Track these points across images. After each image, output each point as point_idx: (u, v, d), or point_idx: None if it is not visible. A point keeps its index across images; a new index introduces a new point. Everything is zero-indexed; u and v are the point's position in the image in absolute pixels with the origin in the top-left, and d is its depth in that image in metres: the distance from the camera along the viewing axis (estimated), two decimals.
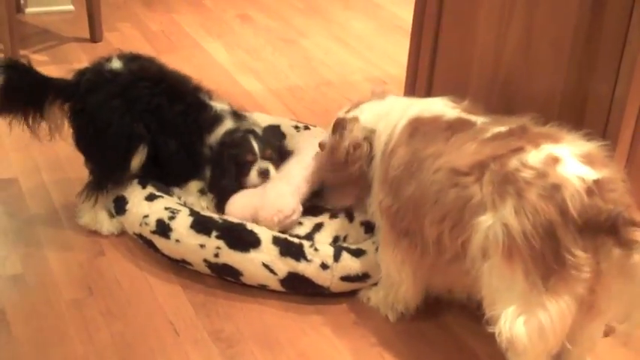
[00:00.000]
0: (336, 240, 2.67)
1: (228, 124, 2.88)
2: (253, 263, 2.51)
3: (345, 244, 2.61)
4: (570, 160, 1.99)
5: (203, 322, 2.43)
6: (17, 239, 2.75)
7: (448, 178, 2.13)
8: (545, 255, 1.92)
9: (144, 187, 2.79)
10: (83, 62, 4.04)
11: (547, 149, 2.02)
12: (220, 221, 2.58)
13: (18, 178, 3.09)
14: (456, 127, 2.26)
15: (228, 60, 4.24)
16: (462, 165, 2.11)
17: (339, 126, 2.60)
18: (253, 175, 2.79)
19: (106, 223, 2.79)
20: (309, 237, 2.67)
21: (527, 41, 2.42)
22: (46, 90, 2.74)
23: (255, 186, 2.79)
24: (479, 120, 2.26)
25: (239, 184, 2.80)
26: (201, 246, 2.53)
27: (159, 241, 2.62)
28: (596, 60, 2.20)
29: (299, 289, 2.53)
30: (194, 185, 2.88)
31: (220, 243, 2.52)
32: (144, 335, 2.36)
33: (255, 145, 2.80)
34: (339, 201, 2.77)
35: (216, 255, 2.52)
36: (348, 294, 2.55)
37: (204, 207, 2.80)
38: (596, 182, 1.93)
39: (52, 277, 2.58)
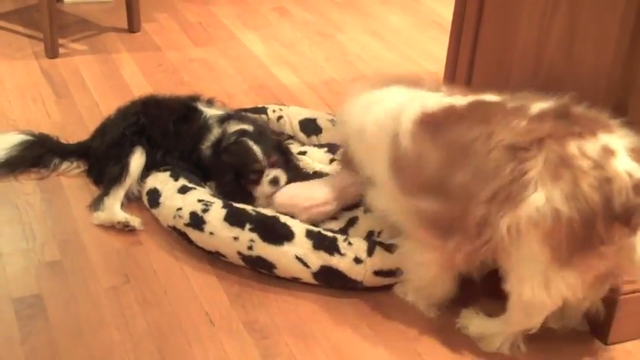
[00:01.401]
0: (370, 235, 2.67)
1: (215, 133, 2.93)
2: (287, 256, 2.51)
3: (379, 239, 2.60)
4: (623, 154, 2.08)
5: (238, 312, 2.44)
6: (55, 226, 2.77)
7: (506, 155, 2.15)
8: (578, 237, 2.06)
9: (176, 179, 2.81)
10: (121, 52, 4.10)
11: (603, 139, 2.10)
12: (254, 214, 2.58)
13: None
14: (483, 108, 2.28)
15: (264, 53, 4.24)
16: (520, 140, 2.14)
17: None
18: (265, 186, 2.81)
19: (119, 212, 2.81)
20: (344, 231, 2.68)
21: (571, 39, 2.38)
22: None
23: (268, 196, 2.80)
24: (498, 98, 2.30)
25: (246, 192, 2.82)
26: (235, 238, 2.54)
27: (193, 234, 2.63)
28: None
29: (332, 282, 2.53)
30: (209, 185, 2.91)
31: (254, 236, 2.52)
32: (179, 324, 2.37)
33: (258, 152, 2.81)
34: None
35: (250, 247, 2.53)
36: (383, 288, 2.55)
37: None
38: None
39: (90, 264, 2.60)
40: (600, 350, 2.38)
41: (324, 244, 2.51)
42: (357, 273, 2.50)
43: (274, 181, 2.79)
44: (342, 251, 2.49)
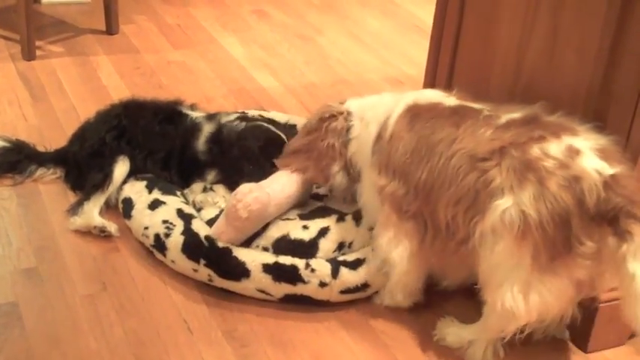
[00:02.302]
0: (341, 246, 2.59)
1: (207, 128, 2.93)
2: (247, 289, 2.48)
3: (342, 258, 2.52)
4: (589, 154, 2.08)
5: (217, 320, 2.42)
6: (31, 232, 2.74)
7: (466, 163, 2.18)
8: (555, 240, 2.04)
9: (150, 191, 2.78)
10: (99, 54, 4.07)
11: (567, 141, 2.10)
12: (207, 245, 2.50)
13: None
14: (462, 113, 2.31)
15: (243, 55, 4.22)
16: (481, 151, 2.16)
17: (323, 108, 2.71)
18: None
19: (97, 217, 2.78)
20: (313, 243, 2.57)
21: (551, 45, 2.38)
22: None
23: None
24: (483, 107, 2.32)
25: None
26: (195, 270, 2.52)
27: (159, 256, 2.61)
28: (622, 67, 2.17)
29: (298, 303, 2.49)
30: (197, 186, 2.89)
31: (210, 271, 2.49)
32: (157, 332, 2.35)
33: (282, 134, 2.85)
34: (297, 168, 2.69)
35: (210, 280, 2.50)
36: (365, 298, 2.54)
37: (215, 202, 2.79)
38: (612, 177, 2.04)
39: (66, 271, 2.57)
40: (580, 358, 2.38)
41: (284, 276, 2.45)
42: (324, 295, 2.47)
43: None
44: (306, 279, 2.45)
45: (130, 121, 2.96)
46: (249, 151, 2.82)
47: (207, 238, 2.52)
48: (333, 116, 2.63)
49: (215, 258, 2.48)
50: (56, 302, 2.44)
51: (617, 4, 2.16)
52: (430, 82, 2.99)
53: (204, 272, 2.50)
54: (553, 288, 2.10)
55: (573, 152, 2.07)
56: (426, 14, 4.78)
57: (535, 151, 2.09)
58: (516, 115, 2.23)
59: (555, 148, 2.09)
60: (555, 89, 2.40)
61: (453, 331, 2.38)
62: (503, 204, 2.08)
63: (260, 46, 4.36)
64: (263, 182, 2.61)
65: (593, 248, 2.05)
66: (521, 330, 2.22)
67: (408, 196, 2.32)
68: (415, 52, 4.37)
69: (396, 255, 2.37)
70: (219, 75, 3.98)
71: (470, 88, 2.74)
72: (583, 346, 2.40)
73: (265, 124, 2.93)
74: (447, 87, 2.88)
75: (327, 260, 2.50)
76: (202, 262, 2.49)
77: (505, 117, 2.23)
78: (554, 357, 2.38)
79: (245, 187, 2.51)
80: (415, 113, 2.37)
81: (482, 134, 2.20)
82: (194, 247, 2.52)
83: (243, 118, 2.96)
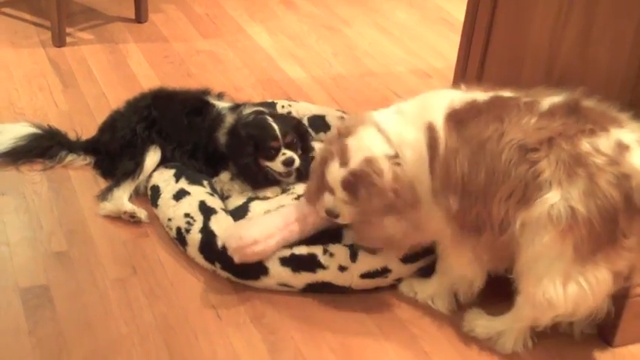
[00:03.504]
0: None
1: (229, 119, 2.94)
2: (268, 284, 2.50)
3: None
4: (637, 149, 2.09)
5: (245, 307, 2.44)
6: (62, 216, 2.77)
7: (516, 155, 2.16)
8: (601, 234, 2.07)
9: (177, 180, 2.81)
10: (128, 42, 4.10)
11: (615, 134, 2.11)
12: (220, 250, 2.49)
13: None
14: (499, 104, 2.27)
15: (271, 46, 4.23)
16: (530, 142, 2.15)
17: (361, 180, 2.30)
18: (278, 164, 2.79)
19: (127, 203, 2.81)
20: (338, 231, 2.56)
21: (585, 41, 2.38)
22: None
23: (280, 174, 2.81)
24: (517, 94, 2.29)
25: (259, 165, 2.82)
26: (214, 271, 2.55)
27: (181, 248, 2.64)
28: None
29: (320, 291, 2.51)
30: (224, 175, 2.90)
31: (228, 274, 2.52)
32: (186, 318, 2.37)
33: (277, 129, 2.80)
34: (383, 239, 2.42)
35: (229, 280, 2.52)
36: (391, 287, 2.55)
37: (239, 190, 2.84)
38: None
39: (97, 255, 2.60)
40: (606, 352, 2.38)
41: (302, 265, 2.47)
42: (344, 280, 2.49)
43: (288, 162, 2.79)
44: (325, 264, 2.46)
45: (159, 113, 2.99)
46: (240, 139, 2.84)
47: (221, 241, 2.52)
48: (398, 178, 2.29)
49: (230, 262, 2.47)
50: (87, 286, 2.47)
51: None
52: (460, 76, 2.98)
53: (222, 274, 2.53)
54: (593, 279, 2.13)
55: (623, 148, 2.09)
56: (453, 7, 4.78)
57: (585, 145, 2.10)
58: (557, 99, 2.23)
59: (605, 143, 2.10)
60: (588, 84, 2.39)
61: (482, 323, 2.39)
62: (552, 198, 2.10)
63: (288, 36, 4.37)
64: (271, 217, 2.54)
65: (637, 241, 2.09)
66: (553, 321, 2.24)
67: (470, 206, 2.25)
68: (442, 45, 4.37)
69: (466, 270, 2.38)
70: (248, 65, 4.00)
71: (501, 83, 2.75)
72: (610, 340, 2.40)
73: (266, 117, 2.85)
74: (478, 80, 2.88)
75: (345, 245, 2.52)
76: (218, 265, 2.52)
77: (546, 102, 2.22)
78: (580, 350, 2.38)
79: (249, 237, 2.41)
80: (458, 120, 2.27)
81: (527, 123, 2.18)
82: (210, 248, 2.53)
83: (259, 112, 2.93)
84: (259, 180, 2.82)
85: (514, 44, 2.68)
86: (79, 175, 3.00)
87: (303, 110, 3.32)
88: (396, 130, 2.33)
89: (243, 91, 3.67)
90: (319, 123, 3.25)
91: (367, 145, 2.31)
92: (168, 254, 2.64)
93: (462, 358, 2.33)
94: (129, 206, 2.78)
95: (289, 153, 2.79)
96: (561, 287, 2.13)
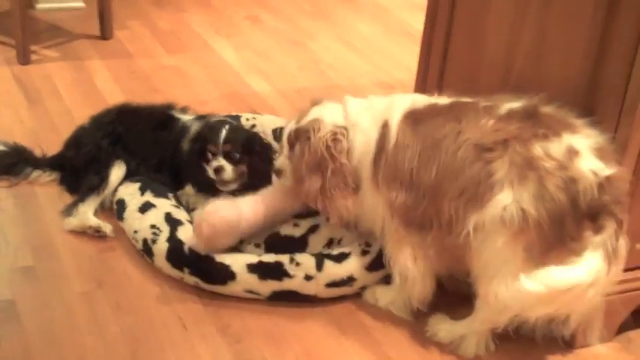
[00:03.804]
0: (330, 242, 2.65)
1: (194, 127, 2.96)
2: (235, 291, 2.52)
3: (326, 252, 2.58)
4: (587, 154, 2.16)
5: (211, 317, 2.46)
6: (28, 232, 2.78)
7: (471, 154, 2.23)
8: (549, 237, 2.14)
9: (143, 193, 2.82)
10: (93, 59, 4.11)
11: (567, 140, 2.18)
12: (188, 254, 2.53)
13: None
14: (459, 107, 2.36)
15: (237, 60, 4.27)
16: (486, 142, 2.22)
17: (300, 135, 2.50)
18: (210, 169, 2.82)
19: (92, 217, 2.82)
20: (303, 239, 2.64)
21: (539, 48, 2.43)
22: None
23: (214, 181, 2.82)
24: (478, 100, 2.37)
25: (203, 167, 2.84)
26: (182, 277, 2.56)
27: (148, 260, 2.66)
28: (608, 66, 2.22)
29: (286, 299, 2.53)
30: (189, 188, 2.92)
31: (196, 279, 2.54)
32: (153, 329, 2.39)
33: (221, 135, 2.81)
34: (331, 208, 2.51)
35: (197, 286, 2.55)
36: (355, 295, 2.58)
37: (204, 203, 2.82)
38: (607, 178, 2.15)
39: (63, 269, 2.61)
40: (568, 353, 2.43)
41: (269, 273, 2.50)
42: (310, 289, 2.52)
43: (217, 170, 2.80)
44: (291, 273, 2.49)
45: (124, 128, 3.01)
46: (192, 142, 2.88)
47: (189, 247, 2.54)
48: (337, 138, 2.45)
49: (198, 266, 2.51)
50: (53, 300, 2.48)
51: (603, 6, 2.22)
52: (421, 85, 3.03)
53: (190, 279, 2.55)
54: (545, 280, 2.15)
55: (573, 153, 2.15)
56: (415, 20, 4.83)
57: (537, 149, 2.17)
58: (516, 104, 2.29)
59: (556, 148, 2.16)
60: (544, 90, 2.44)
61: (445, 327, 2.43)
62: (504, 200, 2.16)
63: (253, 51, 4.41)
64: (239, 200, 2.62)
65: (583, 242, 2.15)
66: (512, 322, 2.29)
67: (416, 201, 2.32)
68: (405, 57, 4.43)
69: (409, 267, 2.41)
70: (213, 79, 4.03)
71: (460, 91, 2.79)
72: (571, 342, 2.44)
73: (220, 123, 2.89)
74: (438, 89, 2.93)
75: (312, 254, 2.55)
76: (186, 270, 2.53)
77: (505, 107, 2.29)
78: (543, 352, 2.42)
79: (212, 206, 2.53)
80: (415, 118, 2.37)
81: (485, 124, 2.26)
82: (177, 255, 2.55)
83: (223, 120, 2.96)
84: (202, 182, 2.84)
85: (472, 53, 2.74)
86: (45, 191, 3.01)
87: (267, 123, 3.34)
88: (357, 114, 2.49)
89: (208, 105, 3.69)
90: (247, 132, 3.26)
91: (323, 112, 2.52)
92: (134, 267, 2.65)
93: None
94: (94, 221, 2.80)
95: (222, 162, 2.80)
96: (513, 288, 2.16)
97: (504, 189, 2.16)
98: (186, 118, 3.05)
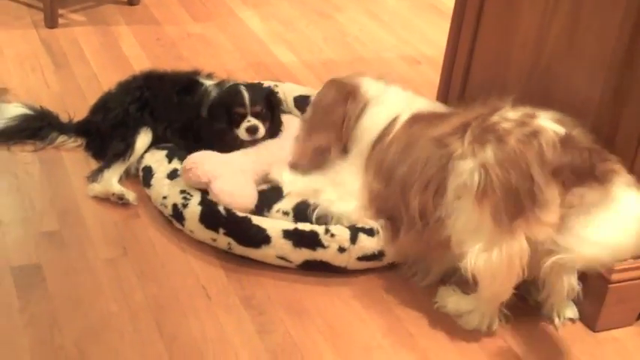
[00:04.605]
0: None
1: (213, 94, 2.98)
2: (267, 256, 2.54)
3: (360, 225, 2.58)
4: (545, 118, 2.23)
5: (235, 287, 2.48)
6: (54, 196, 2.80)
7: (434, 144, 2.32)
8: (518, 192, 2.12)
9: (170, 160, 2.83)
10: (120, 24, 4.11)
11: (523, 109, 2.27)
12: (225, 215, 2.55)
13: None
14: (445, 115, 2.49)
15: (262, 30, 4.26)
16: (445, 131, 2.32)
17: (338, 82, 2.84)
18: (242, 131, 2.84)
19: (116, 184, 2.84)
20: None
21: (572, 29, 2.42)
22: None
23: (243, 142, 2.85)
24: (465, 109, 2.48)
25: (232, 130, 2.86)
26: (214, 239, 2.57)
27: (177, 225, 2.67)
28: None
29: (315, 269, 2.55)
30: None
31: (230, 240, 2.55)
32: (176, 298, 2.41)
33: (246, 97, 2.84)
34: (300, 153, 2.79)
35: (230, 248, 2.56)
36: (378, 271, 2.59)
37: None
38: (568, 135, 2.18)
39: (88, 235, 2.63)
40: (588, 337, 2.43)
41: (304, 240, 2.51)
42: (341, 260, 2.53)
43: (251, 130, 2.82)
44: (325, 244, 2.51)
45: (151, 93, 3.01)
46: (209, 104, 2.90)
47: (225, 208, 2.57)
48: (353, 95, 2.73)
49: (234, 226, 2.53)
50: (78, 265, 2.50)
51: None
52: (449, 65, 3.02)
53: (223, 241, 2.55)
54: (510, 248, 2.15)
55: (530, 115, 2.23)
56: None
57: (494, 117, 2.23)
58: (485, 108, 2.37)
59: (512, 113, 2.24)
60: (574, 74, 2.44)
61: (453, 300, 2.44)
62: (465, 164, 2.20)
63: (279, 21, 4.39)
64: (226, 157, 2.74)
65: (555, 200, 2.13)
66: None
67: (388, 194, 2.48)
68: (432, 31, 4.40)
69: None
70: (239, 48, 4.02)
71: (489, 72, 2.79)
72: (592, 326, 2.45)
73: (239, 85, 2.93)
74: (466, 70, 2.92)
75: (346, 226, 2.56)
76: (222, 231, 2.54)
77: (476, 110, 2.37)
78: (563, 336, 2.43)
79: (198, 157, 2.67)
80: (414, 121, 2.54)
81: (448, 121, 2.37)
82: (212, 217, 2.57)
83: (238, 84, 2.98)
84: (230, 146, 2.84)
85: (503, 33, 2.72)
86: (71, 156, 3.02)
87: (289, 91, 3.35)
88: (381, 95, 2.73)
89: (233, 74, 3.67)
90: (305, 102, 3.27)
91: (364, 80, 2.81)
92: (159, 235, 2.67)
93: (446, 339, 2.37)
94: (117, 188, 2.81)
95: (254, 121, 2.82)
96: (484, 255, 2.17)
97: (465, 157, 2.20)
98: (209, 83, 3.06)
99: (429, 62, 4.04)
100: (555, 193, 2.14)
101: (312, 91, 3.35)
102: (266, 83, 3.36)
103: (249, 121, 2.82)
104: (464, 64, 2.92)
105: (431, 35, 4.36)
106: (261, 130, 2.84)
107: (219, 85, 3.03)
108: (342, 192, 2.62)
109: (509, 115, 2.24)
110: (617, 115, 2.30)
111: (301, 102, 3.26)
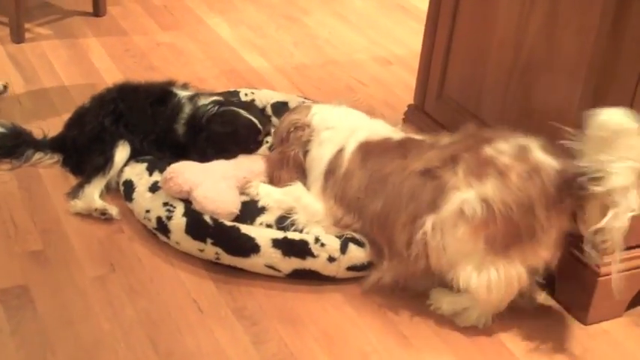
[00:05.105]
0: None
1: (187, 109, 2.97)
2: (256, 265, 2.52)
3: (350, 235, 2.57)
4: (537, 150, 2.23)
5: (225, 299, 2.46)
6: (35, 215, 2.76)
7: (419, 180, 2.33)
8: (518, 227, 2.17)
9: (151, 173, 2.80)
10: (88, 36, 4.07)
11: (514, 140, 2.26)
12: (212, 224, 2.54)
13: None
14: (407, 145, 2.47)
15: (232, 37, 4.24)
16: (432, 164, 2.31)
17: (294, 109, 2.90)
18: (265, 150, 2.88)
19: (97, 199, 2.81)
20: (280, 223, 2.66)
21: (551, 25, 2.43)
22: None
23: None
24: (425, 137, 2.50)
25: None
26: (201, 250, 2.56)
27: (162, 238, 2.65)
28: (622, 47, 2.22)
29: (304, 278, 2.54)
30: None
31: (218, 249, 2.53)
32: (168, 313, 2.39)
33: (257, 122, 2.87)
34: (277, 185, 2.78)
35: (217, 258, 2.54)
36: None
37: None
38: (563, 168, 2.19)
39: (73, 253, 2.60)
40: (579, 330, 2.45)
41: (293, 250, 2.50)
42: (331, 270, 2.53)
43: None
44: (315, 253, 2.50)
45: (125, 105, 2.98)
46: (214, 136, 2.86)
47: (212, 217, 2.56)
48: (299, 127, 2.76)
49: (222, 236, 2.52)
50: (66, 284, 2.47)
51: None
52: (425, 64, 3.03)
53: (210, 251, 2.53)
54: (505, 272, 2.24)
55: (524, 149, 2.23)
56: None
57: (488, 150, 2.23)
58: (456, 137, 2.40)
59: (506, 146, 2.23)
60: (555, 68, 2.46)
61: (447, 300, 2.45)
62: (463, 195, 2.21)
63: (248, 27, 4.38)
64: (207, 165, 2.75)
65: (553, 234, 2.21)
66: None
67: (363, 230, 2.50)
68: (401, 31, 4.42)
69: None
70: (210, 56, 4.00)
71: (466, 72, 2.81)
72: (582, 318, 2.47)
73: (238, 109, 2.91)
74: (443, 69, 2.93)
75: (337, 236, 2.55)
76: (209, 241, 2.52)
77: (446, 139, 2.40)
78: (554, 328, 2.45)
79: (178, 167, 2.67)
80: (366, 150, 2.53)
81: (429, 154, 2.36)
82: (199, 227, 2.55)
83: (218, 102, 2.96)
84: None
85: (480, 30, 2.73)
86: (49, 173, 2.99)
87: (265, 97, 3.35)
88: (325, 123, 2.74)
89: (207, 82, 3.68)
90: (282, 109, 3.26)
91: (316, 107, 2.83)
92: (144, 250, 2.64)
93: (440, 339, 2.38)
94: (99, 203, 2.78)
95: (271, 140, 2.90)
96: (472, 276, 2.25)
97: (462, 188, 2.22)
98: (183, 94, 3.04)
99: (401, 62, 4.05)
100: (554, 231, 2.21)
101: (289, 97, 3.35)
102: (243, 90, 3.35)
103: (267, 141, 2.89)
104: (441, 64, 2.94)
105: (400, 35, 4.38)
106: None
107: (191, 99, 3.00)
108: (309, 215, 2.61)
109: (504, 148, 2.24)
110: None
111: (279, 108, 3.26)
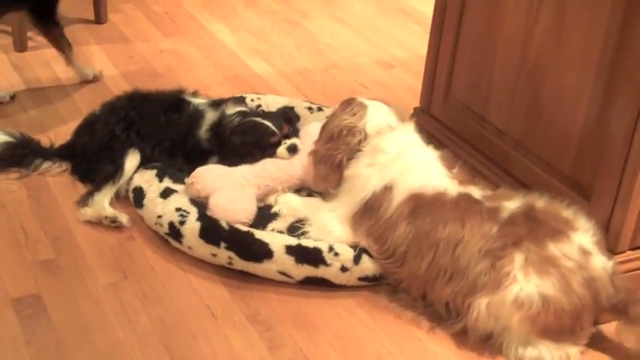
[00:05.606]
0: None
1: (211, 116, 3.00)
2: (268, 271, 2.53)
3: (363, 246, 2.57)
4: (595, 252, 2.34)
5: (239, 305, 2.46)
6: (45, 224, 2.76)
7: (478, 254, 2.35)
8: (563, 325, 2.28)
9: (161, 179, 2.82)
10: (90, 44, 4.08)
11: (576, 240, 2.34)
12: (227, 229, 2.56)
13: None
14: (464, 206, 2.44)
15: (234, 42, 4.24)
16: (493, 245, 2.35)
17: (348, 102, 2.77)
18: (283, 152, 2.86)
19: (108, 207, 2.81)
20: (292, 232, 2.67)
21: (559, 26, 2.44)
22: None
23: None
24: (483, 196, 2.49)
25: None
26: (213, 255, 2.56)
27: (174, 243, 2.65)
28: (631, 48, 2.23)
29: (316, 285, 2.55)
30: None
31: (231, 254, 2.53)
32: (183, 319, 2.39)
33: (271, 125, 2.86)
34: (315, 181, 2.77)
35: (230, 263, 2.55)
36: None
37: None
38: (612, 272, 2.33)
39: (85, 261, 2.60)
40: None
41: (307, 257, 2.50)
42: (342, 279, 2.54)
43: (292, 148, 2.87)
44: (328, 262, 2.50)
45: (136, 113, 3.00)
46: (237, 146, 2.87)
47: (228, 223, 2.57)
48: (351, 132, 2.67)
49: (236, 241, 2.53)
50: (79, 293, 2.47)
51: None
52: (431, 67, 3.03)
53: (224, 255, 2.54)
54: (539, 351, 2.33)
55: (586, 254, 2.32)
56: None
57: (553, 249, 2.31)
58: (514, 205, 2.43)
59: (570, 249, 2.31)
60: (563, 71, 2.46)
61: None
62: (524, 286, 2.26)
63: (249, 32, 4.38)
64: (230, 170, 2.78)
65: (590, 331, 2.35)
66: None
67: (396, 274, 2.51)
68: (402, 34, 4.43)
69: None
70: (213, 62, 4.01)
71: (474, 71, 2.81)
72: None
73: (258, 120, 2.91)
74: (450, 71, 2.94)
75: (351, 246, 2.55)
76: (223, 245, 2.53)
77: (506, 209, 2.41)
78: None
79: (202, 171, 2.73)
80: (418, 204, 2.47)
81: (489, 231, 2.37)
82: (213, 231, 2.56)
83: (243, 113, 2.98)
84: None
85: (486, 33, 2.74)
86: (57, 181, 2.99)
87: (271, 103, 3.35)
88: (381, 140, 2.65)
89: (211, 89, 3.68)
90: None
91: (373, 108, 2.73)
92: (156, 256, 2.65)
93: (454, 343, 2.39)
94: (110, 211, 2.78)
95: (290, 140, 2.88)
96: (522, 350, 2.33)
97: (521, 279, 2.27)
98: (198, 101, 3.05)
99: (403, 65, 4.06)
100: (591, 328, 2.36)
101: (294, 102, 3.35)
102: (249, 96, 3.35)
103: (285, 142, 2.86)
104: (447, 66, 2.94)
105: (401, 38, 4.39)
106: (300, 145, 2.88)
107: (214, 106, 3.03)
108: (323, 232, 2.61)
109: (568, 251, 2.30)
110: (608, 112, 2.33)
111: (285, 113, 3.25)
